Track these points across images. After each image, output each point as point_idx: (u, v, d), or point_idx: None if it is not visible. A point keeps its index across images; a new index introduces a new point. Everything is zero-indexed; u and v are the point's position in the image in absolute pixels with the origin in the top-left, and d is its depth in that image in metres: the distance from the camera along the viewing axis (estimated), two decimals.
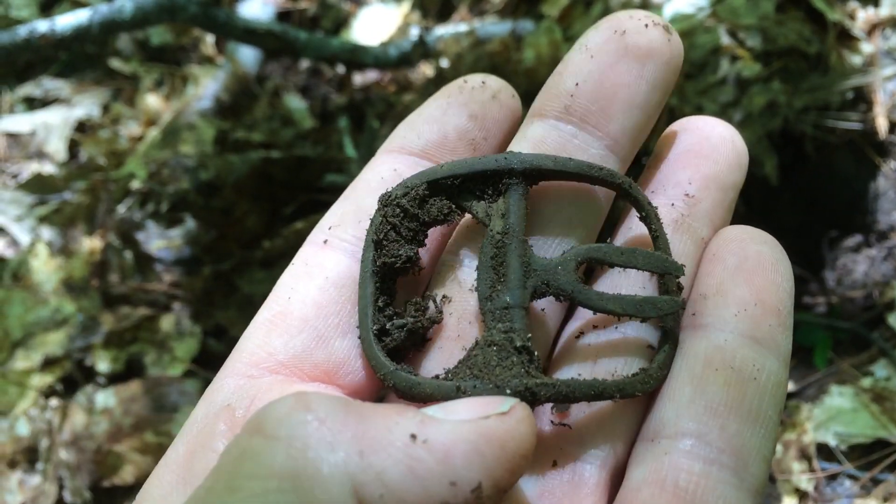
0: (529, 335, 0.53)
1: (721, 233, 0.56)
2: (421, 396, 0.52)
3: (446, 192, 0.58)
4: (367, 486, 0.40)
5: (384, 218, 0.57)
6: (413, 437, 0.41)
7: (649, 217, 0.56)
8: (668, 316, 0.55)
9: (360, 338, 0.56)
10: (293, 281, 0.58)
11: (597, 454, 0.54)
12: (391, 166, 0.60)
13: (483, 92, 0.59)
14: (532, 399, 0.50)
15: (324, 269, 0.58)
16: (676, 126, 0.60)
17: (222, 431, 0.52)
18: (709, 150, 0.57)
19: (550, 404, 0.55)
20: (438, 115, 0.59)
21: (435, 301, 0.58)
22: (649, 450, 0.52)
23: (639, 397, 0.53)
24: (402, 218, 0.57)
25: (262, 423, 0.43)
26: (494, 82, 0.60)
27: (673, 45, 0.55)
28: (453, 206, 0.58)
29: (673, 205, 0.58)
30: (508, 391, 0.49)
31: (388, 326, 0.56)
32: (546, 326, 0.58)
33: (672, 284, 0.56)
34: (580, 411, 0.55)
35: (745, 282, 0.52)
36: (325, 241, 0.59)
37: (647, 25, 0.55)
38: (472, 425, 0.43)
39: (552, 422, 0.55)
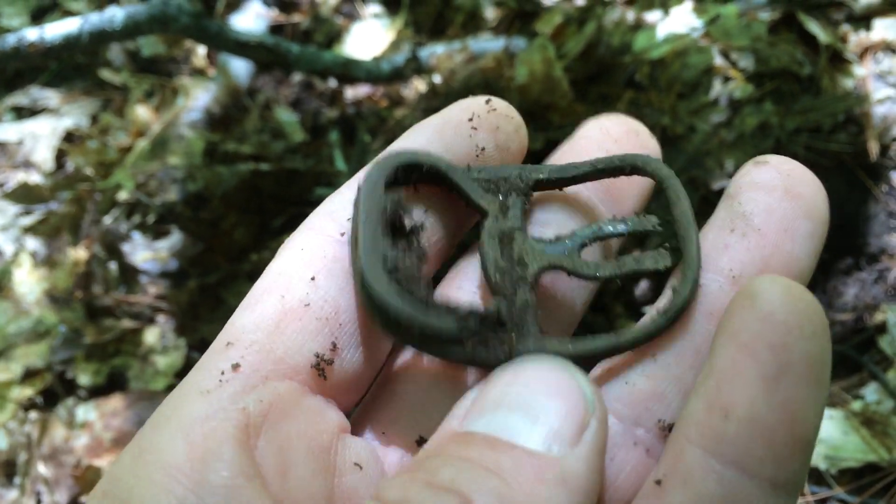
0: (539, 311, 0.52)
1: (756, 296, 0.44)
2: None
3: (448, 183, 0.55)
4: None
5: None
6: None
7: (673, 197, 0.54)
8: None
9: (359, 267, 0.48)
10: (306, 270, 0.52)
11: None
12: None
13: (509, 123, 0.56)
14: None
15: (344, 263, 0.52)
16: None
17: (238, 440, 0.44)
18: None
19: None
20: (467, 131, 0.56)
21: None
22: None
23: None
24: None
25: None
26: (516, 116, 0.57)
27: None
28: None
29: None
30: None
31: (396, 259, 0.49)
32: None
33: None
34: None
35: (781, 407, 0.42)
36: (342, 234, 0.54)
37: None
38: None
39: None
